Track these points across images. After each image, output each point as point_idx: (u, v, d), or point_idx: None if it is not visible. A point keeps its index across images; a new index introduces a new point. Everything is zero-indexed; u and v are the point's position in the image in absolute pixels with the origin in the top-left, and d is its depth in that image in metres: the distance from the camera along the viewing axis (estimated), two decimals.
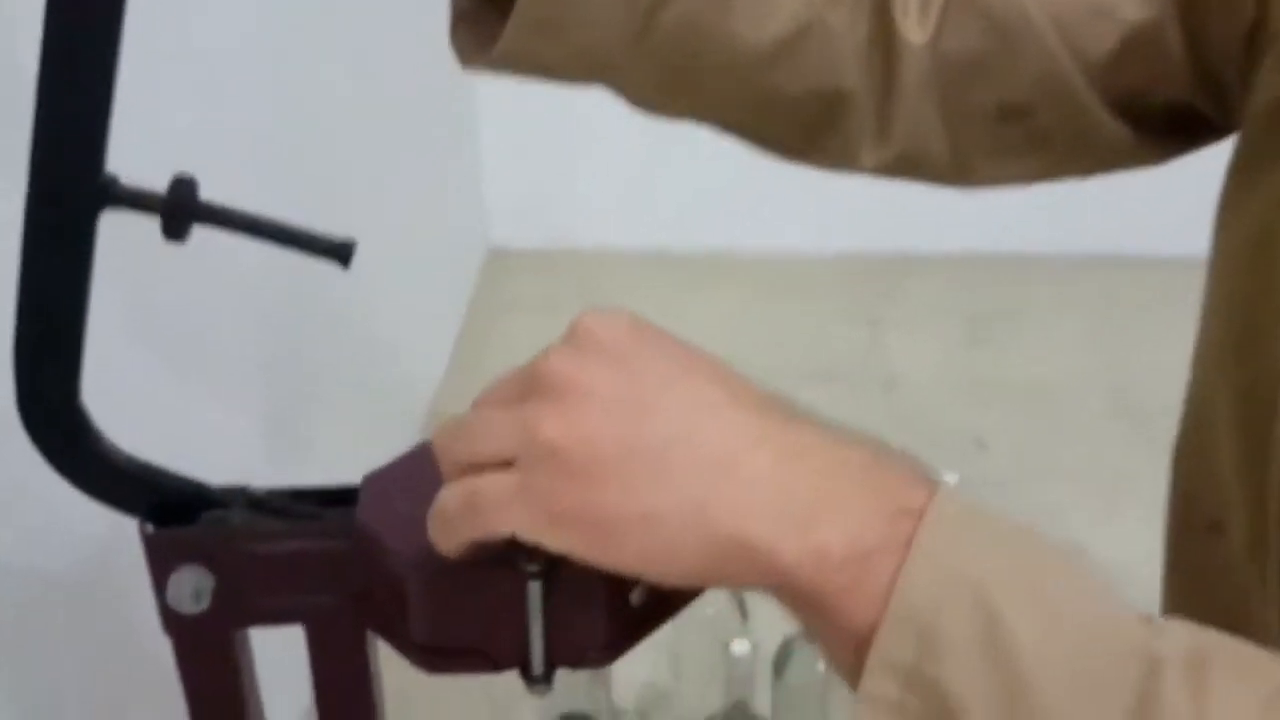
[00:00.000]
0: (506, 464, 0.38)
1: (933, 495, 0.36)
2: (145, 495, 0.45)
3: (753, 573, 0.37)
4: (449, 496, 0.40)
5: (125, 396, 0.75)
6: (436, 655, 0.43)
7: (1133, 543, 1.43)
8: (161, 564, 0.44)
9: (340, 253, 0.45)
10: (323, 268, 0.45)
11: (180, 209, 0.41)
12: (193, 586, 0.44)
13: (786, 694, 0.95)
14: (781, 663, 0.94)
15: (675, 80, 0.56)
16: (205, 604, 0.44)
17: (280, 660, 0.51)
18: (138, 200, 0.41)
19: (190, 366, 0.86)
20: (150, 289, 0.76)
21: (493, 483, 0.38)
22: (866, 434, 0.39)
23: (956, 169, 0.58)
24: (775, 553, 0.36)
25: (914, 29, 0.55)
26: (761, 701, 0.91)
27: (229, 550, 0.44)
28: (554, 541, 0.38)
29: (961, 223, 2.01)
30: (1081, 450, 1.67)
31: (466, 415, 0.41)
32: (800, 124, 0.58)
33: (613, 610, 0.43)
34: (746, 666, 0.85)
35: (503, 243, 2.07)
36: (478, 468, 0.39)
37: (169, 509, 0.45)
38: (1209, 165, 0.56)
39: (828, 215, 2.04)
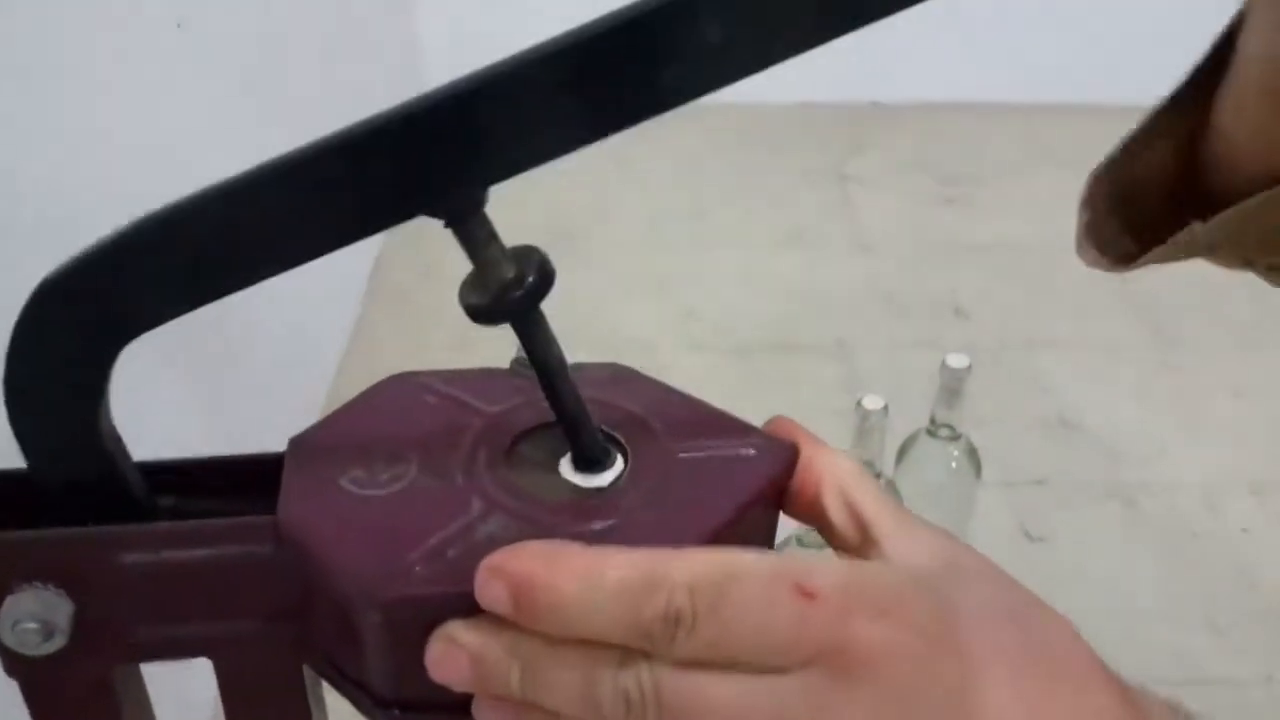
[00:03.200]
0: None
1: None
2: None
3: None
4: None
5: None
6: (403, 712, 0.30)
7: (1124, 413, 1.37)
8: None
9: None
10: None
11: None
12: (38, 617, 0.30)
13: None
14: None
15: None
16: (60, 641, 0.30)
17: None
18: None
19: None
20: None
21: None
22: None
23: None
24: None
25: None
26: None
27: (90, 562, 0.30)
28: None
29: (926, 72, 1.89)
30: (1066, 316, 1.57)
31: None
32: None
33: None
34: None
35: None
36: None
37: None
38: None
39: (790, 64, 1.89)
